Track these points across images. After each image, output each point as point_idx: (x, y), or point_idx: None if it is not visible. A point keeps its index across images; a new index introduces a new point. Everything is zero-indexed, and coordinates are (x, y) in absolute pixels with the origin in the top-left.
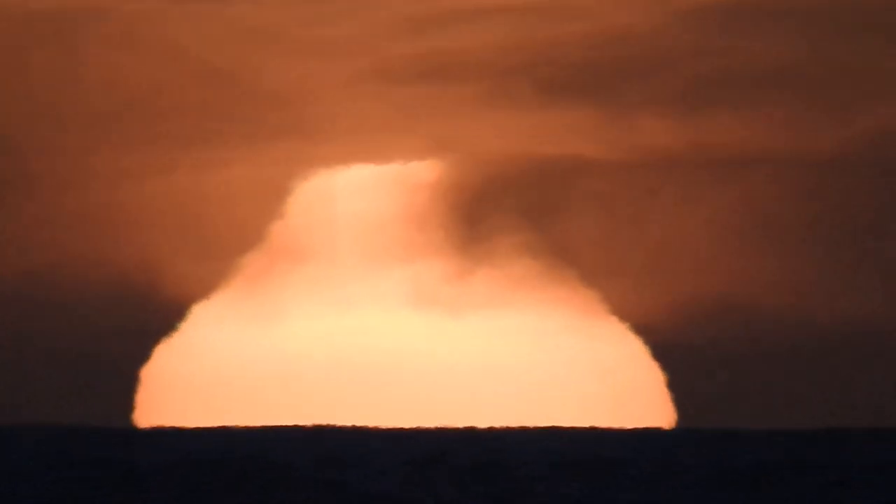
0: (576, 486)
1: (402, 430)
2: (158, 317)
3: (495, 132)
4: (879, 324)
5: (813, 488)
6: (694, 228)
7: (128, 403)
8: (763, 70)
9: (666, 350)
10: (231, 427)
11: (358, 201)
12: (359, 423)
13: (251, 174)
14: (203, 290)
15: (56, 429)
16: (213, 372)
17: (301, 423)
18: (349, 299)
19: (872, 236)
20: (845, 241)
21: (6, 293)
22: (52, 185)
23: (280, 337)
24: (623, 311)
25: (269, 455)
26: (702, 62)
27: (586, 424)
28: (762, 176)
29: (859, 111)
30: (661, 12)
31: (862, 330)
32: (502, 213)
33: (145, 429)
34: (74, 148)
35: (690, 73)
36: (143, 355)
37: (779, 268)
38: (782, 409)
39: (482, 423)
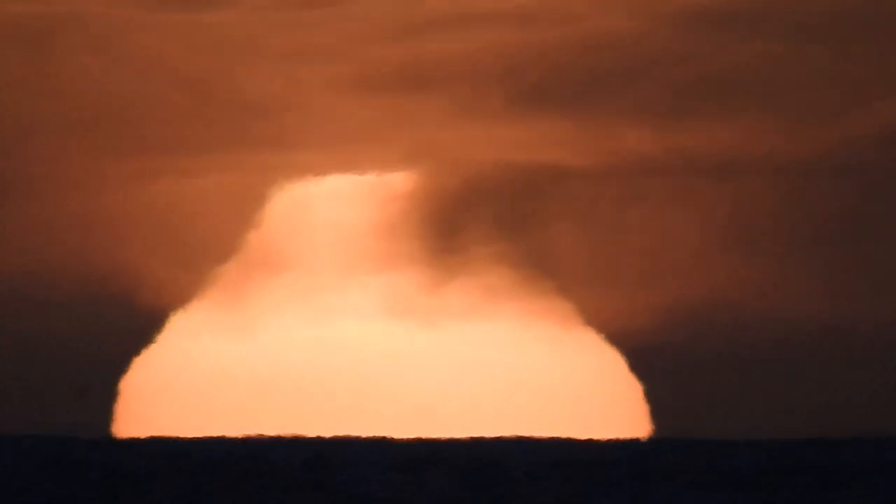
0: (552, 496)
1: (379, 438)
2: (136, 326)
3: (473, 141)
4: (866, 328)
5: (795, 495)
6: (673, 238)
7: (107, 413)
8: (745, 76)
9: (643, 360)
10: (210, 437)
11: (334, 211)
12: (336, 433)
13: (228, 183)
14: (180, 299)
15: (33, 437)
16: (192, 382)
17: (279, 432)
18: (326, 309)
19: (857, 241)
20: (829, 246)
21: None
22: (26, 193)
23: (257, 347)
24: (599, 322)
25: (248, 463)
26: (683, 69)
27: (562, 434)
28: (744, 183)
29: (843, 116)
30: (642, 19)
31: (846, 335)
32: (479, 223)
33: (125, 439)
34: (50, 155)
35: (671, 79)
36: (121, 366)
37: (760, 276)
38: (763, 418)
39: (459, 432)
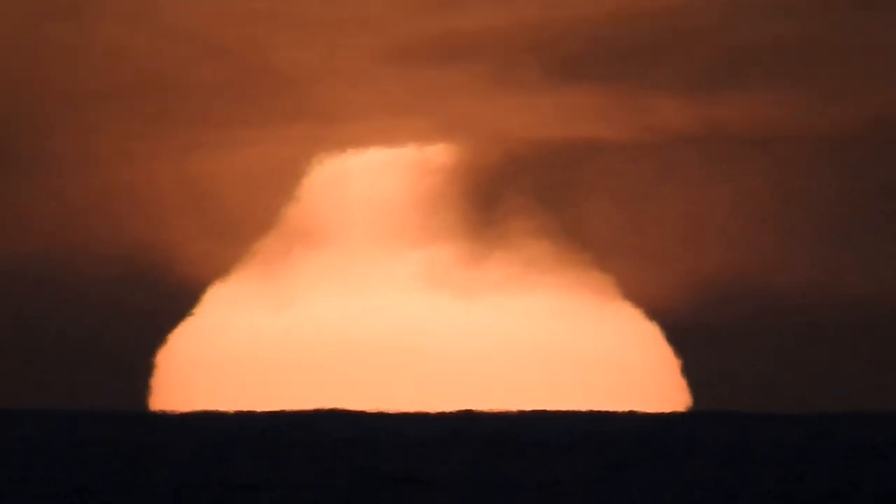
0: (590, 468)
1: (417, 413)
2: (173, 300)
3: (510, 114)
4: None
5: (826, 468)
6: (710, 210)
7: (143, 388)
8: (780, 49)
9: (680, 333)
10: (247, 410)
11: (372, 184)
12: (373, 406)
13: (266, 157)
14: (218, 272)
15: (71, 412)
16: (228, 356)
17: (317, 406)
18: (363, 282)
19: (892, 215)
20: (864, 220)
21: (21, 274)
22: (68, 167)
23: (295, 320)
24: (637, 295)
25: (284, 436)
26: (717, 42)
27: (600, 408)
28: (778, 155)
29: (877, 89)
30: None
31: (886, 310)
32: (516, 196)
33: (161, 412)
34: (87, 129)
35: (705, 52)
36: (158, 339)
37: (795, 248)
38: (800, 392)
39: (496, 405)
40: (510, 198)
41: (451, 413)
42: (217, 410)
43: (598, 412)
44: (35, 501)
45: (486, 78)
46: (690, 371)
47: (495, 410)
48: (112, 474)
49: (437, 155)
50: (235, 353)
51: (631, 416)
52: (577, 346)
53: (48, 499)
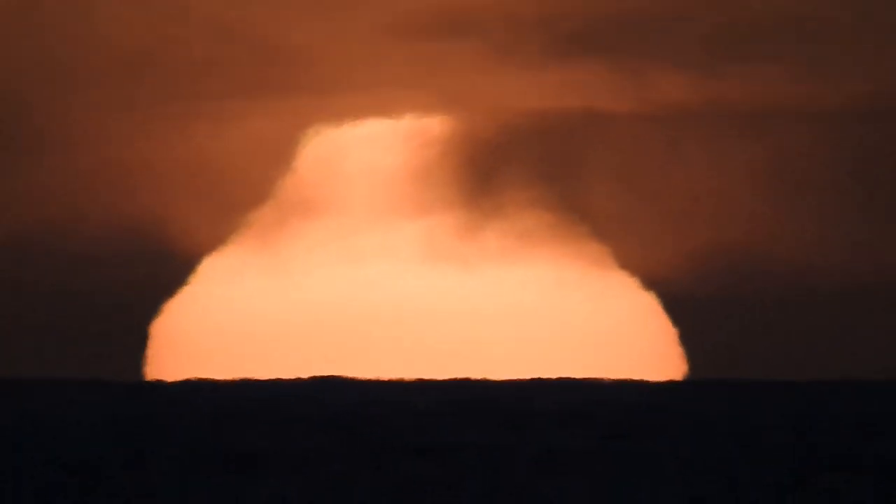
0: (586, 437)
1: (413, 381)
2: (169, 271)
3: (509, 87)
4: (894, 273)
5: (822, 436)
6: (708, 183)
7: (138, 357)
8: (781, 24)
9: (677, 303)
10: (242, 379)
11: (370, 155)
12: (370, 375)
13: (263, 129)
14: (213, 243)
15: (68, 382)
16: (224, 326)
17: (313, 374)
18: (360, 252)
19: (888, 188)
20: (860, 192)
21: (18, 247)
22: (62, 142)
23: (290, 290)
24: (634, 266)
25: (281, 406)
26: (718, 17)
27: (597, 376)
28: (777, 129)
29: (879, 64)
30: None
31: (876, 280)
32: (514, 168)
33: (157, 381)
34: (86, 104)
35: (705, 26)
36: (153, 310)
37: (792, 219)
38: (794, 360)
39: (494, 374)
40: (508, 169)
41: (446, 381)
42: (213, 379)
43: (595, 380)
44: (33, 472)
45: (487, 51)
46: (687, 340)
47: (491, 379)
48: (112, 444)
49: (436, 126)
50: (230, 322)
51: (628, 384)
52: (575, 316)
53: (46, 469)
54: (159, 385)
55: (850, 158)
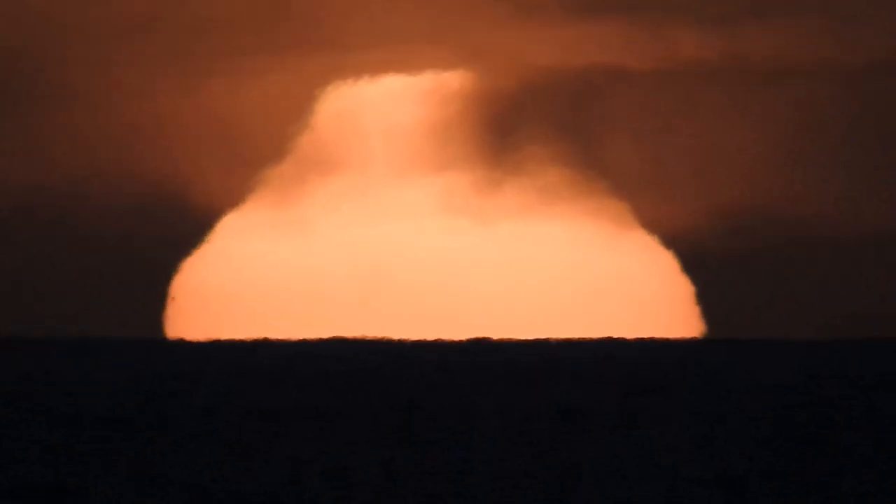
0: (603, 394)
1: (432, 340)
2: (187, 229)
3: (529, 42)
4: None
5: (841, 396)
6: (726, 140)
7: (158, 316)
8: None
9: (696, 261)
10: (261, 339)
11: (388, 111)
12: (391, 333)
13: (280, 85)
14: (232, 201)
15: (90, 341)
16: (241, 284)
17: (332, 334)
18: (380, 209)
19: None
20: (884, 148)
21: (37, 206)
22: (83, 100)
23: (309, 247)
24: (653, 223)
25: (299, 365)
26: None
27: (614, 334)
28: (797, 86)
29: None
30: None
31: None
32: (534, 123)
33: (175, 340)
34: (105, 62)
35: None
36: (172, 268)
37: (814, 176)
38: (813, 320)
39: (513, 332)
40: (528, 125)
41: (465, 341)
42: (233, 339)
43: (613, 339)
44: (56, 432)
45: (507, 6)
46: (705, 299)
47: (510, 338)
48: (134, 404)
49: (455, 81)
50: (248, 281)
51: (645, 343)
52: (593, 273)
53: (69, 429)
54: (180, 344)
55: (873, 114)
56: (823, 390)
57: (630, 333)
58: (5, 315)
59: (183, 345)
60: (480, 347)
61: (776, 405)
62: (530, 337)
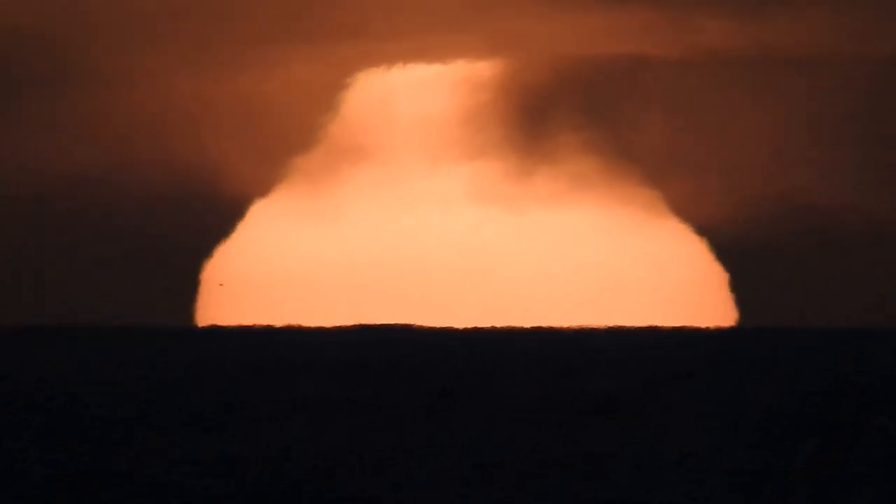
0: (638, 383)
1: (465, 329)
2: (217, 216)
3: (559, 31)
4: None
5: (875, 383)
6: (757, 128)
7: (190, 302)
8: None
9: (728, 250)
10: (291, 326)
11: (420, 99)
12: (421, 321)
13: (311, 74)
14: (262, 188)
15: (123, 328)
16: (272, 272)
17: (363, 321)
18: (409, 197)
19: None
20: None
21: (70, 193)
22: (116, 86)
23: (339, 235)
24: (685, 212)
25: (329, 353)
26: None
27: (648, 323)
28: (825, 75)
29: None
30: None
31: None
32: (564, 112)
33: (207, 327)
34: (137, 48)
35: None
36: (203, 255)
37: (843, 166)
38: (844, 308)
39: (544, 321)
40: (558, 113)
41: (498, 329)
42: (263, 325)
43: (646, 328)
44: (90, 417)
45: None
46: (738, 287)
47: (543, 326)
48: (169, 389)
49: (486, 70)
50: (278, 269)
51: (679, 331)
52: (625, 262)
53: (103, 415)
54: (211, 330)
55: None
56: (860, 377)
57: (663, 322)
58: (35, 305)
59: (214, 331)
60: (511, 336)
61: (809, 392)
62: (561, 325)
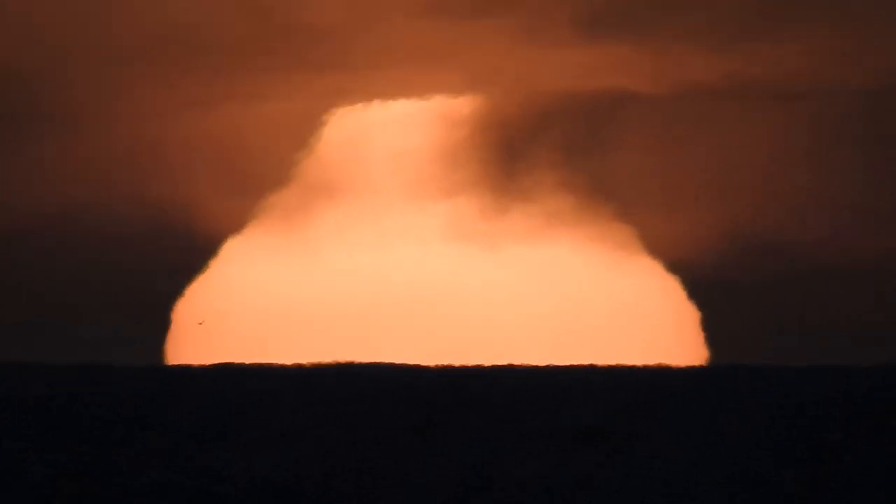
0: (608, 421)
1: (437, 366)
2: (189, 254)
3: (537, 67)
4: None
5: (853, 425)
6: (736, 164)
7: (160, 341)
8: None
9: (701, 287)
10: (265, 364)
11: (395, 136)
12: (394, 360)
13: (286, 109)
14: (235, 225)
15: (88, 367)
16: (246, 309)
17: (336, 359)
18: (384, 234)
19: None
20: (889, 175)
21: (40, 230)
22: (83, 121)
23: (314, 272)
24: (659, 249)
25: (304, 392)
26: None
27: (619, 361)
28: (807, 109)
29: None
30: None
31: None
32: (540, 148)
33: (177, 366)
34: (105, 83)
35: (733, 4)
36: (175, 294)
37: (825, 203)
38: (819, 346)
39: (519, 359)
40: (535, 150)
41: (471, 367)
42: (235, 363)
43: (618, 366)
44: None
45: (514, 31)
46: (710, 325)
47: (515, 364)
48: (129, 426)
49: (462, 107)
50: (252, 307)
51: (650, 369)
52: (598, 299)
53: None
54: (180, 369)
55: (881, 137)
56: (833, 418)
57: (635, 360)
58: (5, 340)
59: (184, 370)
60: (487, 372)
61: (783, 432)
62: (536, 362)
